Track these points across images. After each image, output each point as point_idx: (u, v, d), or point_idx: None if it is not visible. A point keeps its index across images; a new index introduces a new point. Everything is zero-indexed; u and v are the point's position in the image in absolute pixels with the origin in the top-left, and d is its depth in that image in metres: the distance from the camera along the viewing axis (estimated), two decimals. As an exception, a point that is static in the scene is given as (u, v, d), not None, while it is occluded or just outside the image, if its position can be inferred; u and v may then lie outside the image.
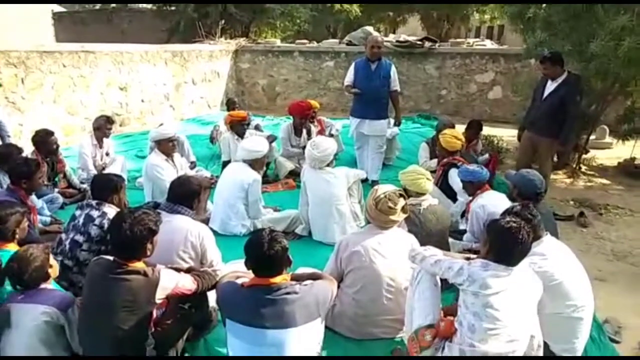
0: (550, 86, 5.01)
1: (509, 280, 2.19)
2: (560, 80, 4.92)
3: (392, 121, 5.95)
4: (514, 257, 2.21)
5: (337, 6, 16.85)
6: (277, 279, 2.21)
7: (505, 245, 2.20)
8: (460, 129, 5.47)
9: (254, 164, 4.38)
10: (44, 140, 4.86)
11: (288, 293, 2.18)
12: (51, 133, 4.95)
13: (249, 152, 4.34)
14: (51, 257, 2.54)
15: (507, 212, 2.74)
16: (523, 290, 2.23)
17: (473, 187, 3.83)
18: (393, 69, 5.52)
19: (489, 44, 11.96)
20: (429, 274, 2.46)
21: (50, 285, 2.53)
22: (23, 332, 2.30)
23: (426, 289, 2.43)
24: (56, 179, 5.17)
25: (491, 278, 2.18)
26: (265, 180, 5.82)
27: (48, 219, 4.36)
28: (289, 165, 5.93)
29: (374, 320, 2.78)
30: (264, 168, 5.87)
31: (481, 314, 2.15)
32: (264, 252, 2.17)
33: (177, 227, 2.91)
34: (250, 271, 2.27)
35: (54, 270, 2.55)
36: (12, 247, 2.76)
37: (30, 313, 2.32)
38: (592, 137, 7.03)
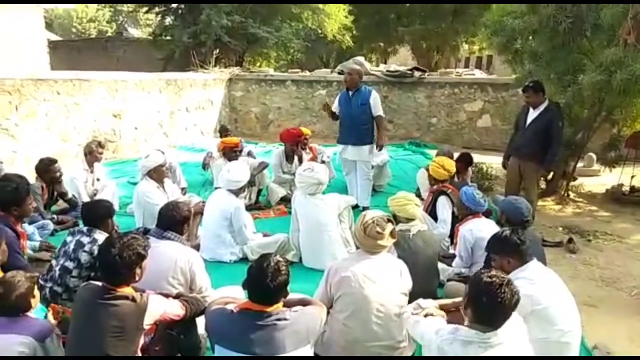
0: (533, 114, 5.23)
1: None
2: (542, 107, 5.15)
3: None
4: (494, 317, 2.01)
5: (330, 36, 17.18)
6: (270, 308, 2.22)
7: (483, 304, 2.00)
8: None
9: (236, 190, 4.44)
10: (46, 168, 4.96)
11: (278, 319, 2.18)
12: (54, 161, 5.06)
13: (229, 182, 4.40)
14: (35, 287, 2.48)
15: (496, 235, 2.79)
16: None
17: (467, 212, 3.80)
18: (373, 95, 5.58)
19: (478, 74, 12.18)
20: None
21: (32, 314, 2.45)
22: None
23: None
24: (52, 207, 5.23)
25: (461, 347, 2.03)
26: (258, 206, 5.88)
27: (37, 244, 4.32)
28: (281, 192, 5.98)
29: (364, 346, 2.75)
30: (254, 197, 5.95)
31: None
32: (266, 283, 2.17)
33: (166, 253, 2.91)
34: (241, 296, 2.27)
35: (36, 301, 2.49)
36: (-6, 272, 2.72)
37: (4, 344, 2.21)
38: (580, 164, 7.13)
